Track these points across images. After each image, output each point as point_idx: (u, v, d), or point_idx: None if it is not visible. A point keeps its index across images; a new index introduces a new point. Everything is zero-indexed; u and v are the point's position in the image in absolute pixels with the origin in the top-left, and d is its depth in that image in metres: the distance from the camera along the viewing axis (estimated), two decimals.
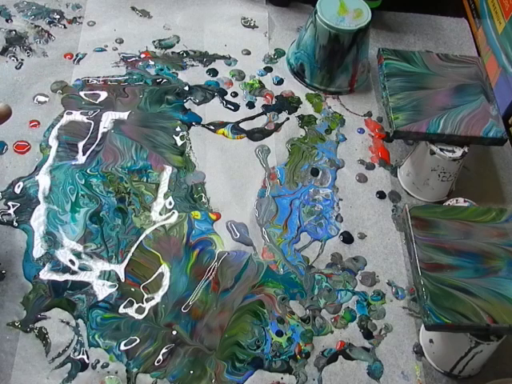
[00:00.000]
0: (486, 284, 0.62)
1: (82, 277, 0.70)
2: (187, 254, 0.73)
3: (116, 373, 0.64)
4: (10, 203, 0.74)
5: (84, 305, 0.68)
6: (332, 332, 0.70)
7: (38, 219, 0.73)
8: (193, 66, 0.93)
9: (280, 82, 0.93)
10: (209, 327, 0.68)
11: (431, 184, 0.80)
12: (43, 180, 0.77)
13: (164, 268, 0.72)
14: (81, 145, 0.81)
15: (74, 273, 0.70)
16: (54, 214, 0.74)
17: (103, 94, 0.87)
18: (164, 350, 0.66)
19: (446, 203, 0.73)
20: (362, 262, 0.76)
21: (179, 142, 0.84)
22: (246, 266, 0.73)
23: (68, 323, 0.67)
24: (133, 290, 0.70)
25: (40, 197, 0.75)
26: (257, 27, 1.00)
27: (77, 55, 0.91)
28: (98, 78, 0.89)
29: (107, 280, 0.70)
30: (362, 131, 0.89)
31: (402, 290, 0.74)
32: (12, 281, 0.69)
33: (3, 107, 0.63)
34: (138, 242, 0.73)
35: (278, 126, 0.87)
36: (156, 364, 0.65)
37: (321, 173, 0.83)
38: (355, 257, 0.76)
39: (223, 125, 0.87)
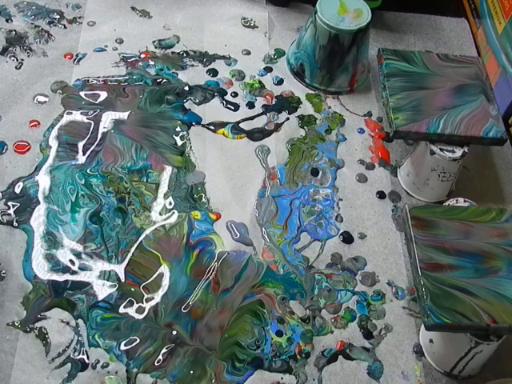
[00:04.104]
0: (486, 284, 0.62)
1: (82, 277, 0.70)
2: (187, 254, 0.73)
3: (116, 373, 0.64)
4: (9, 203, 0.74)
5: (84, 305, 0.68)
6: (332, 332, 0.70)
7: (38, 219, 0.73)
8: (193, 66, 0.93)
9: (280, 81, 0.93)
10: (209, 327, 0.68)
11: (431, 184, 0.80)
12: (43, 180, 0.77)
13: (164, 268, 0.72)
14: (81, 145, 0.81)
15: (74, 273, 0.70)
16: (53, 214, 0.74)
17: (103, 94, 0.87)
18: (164, 350, 0.66)
19: (446, 203, 0.73)
20: (362, 262, 0.76)
21: (179, 142, 0.84)
22: (246, 265, 0.73)
23: (68, 323, 0.67)
24: (133, 289, 0.70)
25: (40, 197, 0.75)
26: (257, 27, 1.00)
27: (77, 55, 0.91)
28: (98, 77, 0.89)
29: (107, 280, 0.70)
30: (361, 131, 0.89)
31: (402, 290, 0.74)
32: (12, 281, 0.69)
33: None
34: (138, 242, 0.73)
35: (277, 126, 0.87)
36: (156, 364, 0.65)
37: (321, 173, 0.83)
38: (355, 257, 0.76)
39: (223, 125, 0.87)
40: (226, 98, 0.90)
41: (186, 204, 0.78)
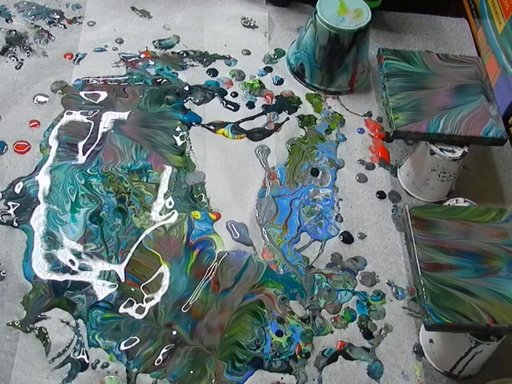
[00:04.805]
0: (486, 284, 0.62)
1: (82, 277, 0.70)
2: (187, 253, 0.73)
3: (116, 373, 0.64)
4: (9, 203, 0.75)
5: (84, 305, 0.68)
6: (332, 332, 0.70)
7: (38, 219, 0.73)
8: (193, 66, 0.93)
9: (280, 81, 0.93)
10: (209, 327, 0.68)
11: (431, 184, 0.80)
12: (43, 180, 0.77)
13: (164, 268, 0.72)
14: (81, 145, 0.81)
15: (74, 273, 0.70)
16: (53, 214, 0.74)
17: (103, 94, 0.87)
18: (164, 350, 0.66)
19: (446, 203, 0.73)
20: (362, 262, 0.76)
21: (179, 142, 0.84)
22: (246, 265, 0.73)
23: (68, 323, 0.67)
24: (133, 289, 0.70)
25: (40, 197, 0.75)
26: (257, 27, 1.00)
27: (77, 55, 0.91)
28: (98, 77, 0.89)
29: (107, 280, 0.70)
30: (361, 131, 0.89)
31: (402, 290, 0.74)
32: (12, 281, 0.69)
33: None
34: (138, 242, 0.73)
35: (277, 126, 0.87)
36: (156, 364, 0.65)
37: (321, 173, 0.83)
38: (355, 257, 0.76)
39: (223, 125, 0.87)
40: (226, 98, 0.90)
41: (185, 204, 0.78)
